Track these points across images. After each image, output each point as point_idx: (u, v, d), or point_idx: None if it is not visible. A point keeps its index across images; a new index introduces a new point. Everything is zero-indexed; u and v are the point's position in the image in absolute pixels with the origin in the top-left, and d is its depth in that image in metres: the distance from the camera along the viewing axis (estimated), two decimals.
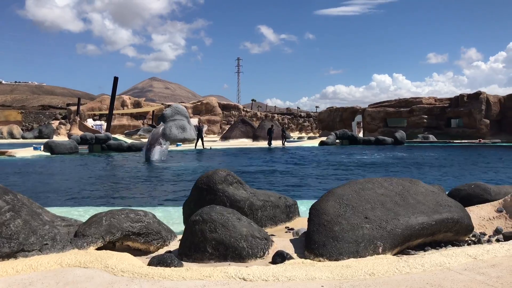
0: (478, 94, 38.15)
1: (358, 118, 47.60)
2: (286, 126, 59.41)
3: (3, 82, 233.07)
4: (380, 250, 3.64)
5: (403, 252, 3.86)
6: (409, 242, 3.88)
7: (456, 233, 4.17)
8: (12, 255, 3.36)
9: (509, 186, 5.94)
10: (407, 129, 38.80)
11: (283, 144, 31.20)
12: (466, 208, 4.66)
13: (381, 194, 4.28)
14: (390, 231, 3.75)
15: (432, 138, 35.76)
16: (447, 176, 12.75)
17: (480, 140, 34.22)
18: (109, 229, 3.81)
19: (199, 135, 28.82)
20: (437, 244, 4.10)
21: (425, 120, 40.90)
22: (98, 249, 3.74)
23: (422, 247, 4.01)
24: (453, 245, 4.12)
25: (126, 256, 3.54)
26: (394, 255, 3.74)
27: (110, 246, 3.85)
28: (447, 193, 5.44)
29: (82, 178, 12.56)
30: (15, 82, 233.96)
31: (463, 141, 34.25)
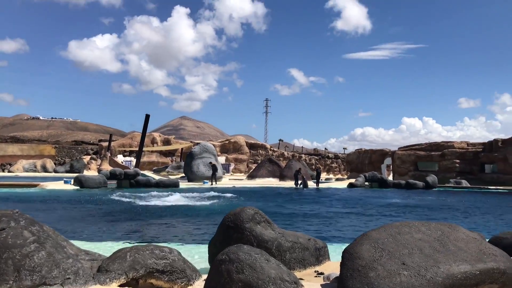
0: None
1: (388, 161, 46.76)
2: (314, 167, 58.88)
3: (41, 118, 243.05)
4: None
5: None
6: None
7: (503, 285, 3.84)
8: None
9: None
10: (439, 174, 37.70)
11: (318, 185, 30.76)
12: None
13: (419, 239, 4.02)
14: (429, 280, 3.48)
15: (465, 183, 34.55)
16: (484, 223, 12.14)
17: None
18: (133, 265, 3.69)
19: (213, 173, 29.39)
20: None
21: (457, 165, 39.77)
22: (121, 285, 3.61)
23: None
24: None
25: None
26: None
27: (133, 283, 3.72)
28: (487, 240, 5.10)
29: (108, 213, 12.58)
30: (52, 118, 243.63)
31: (499, 187, 32.92)
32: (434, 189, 31.28)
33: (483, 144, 40.89)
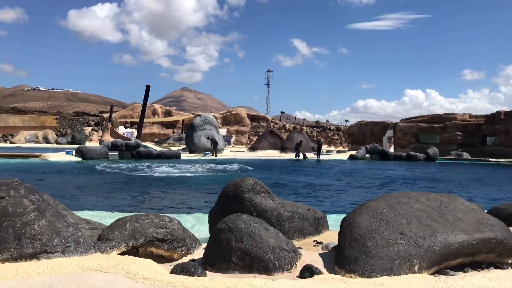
0: None
1: (389, 133, 46.66)
2: (315, 139, 58.86)
3: (42, 89, 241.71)
4: (416, 269, 3.40)
5: (440, 272, 3.60)
6: (447, 262, 3.62)
7: (499, 255, 3.88)
8: (34, 256, 3.30)
9: None
10: (440, 146, 37.66)
11: (318, 157, 30.89)
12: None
13: (418, 209, 4.04)
14: (427, 249, 3.51)
15: (466, 155, 34.60)
16: (483, 195, 12.21)
17: None
18: (133, 234, 3.72)
19: (213, 146, 29.53)
20: (477, 266, 3.81)
21: (459, 137, 39.70)
22: (121, 254, 3.65)
23: (461, 268, 3.73)
24: (495, 267, 3.82)
25: (149, 262, 3.43)
26: (431, 274, 3.49)
27: (133, 251, 3.76)
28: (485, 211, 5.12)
29: (109, 183, 12.67)
30: (52, 89, 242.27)
31: (499, 160, 32.98)
32: (435, 161, 31.34)
33: (486, 116, 40.68)
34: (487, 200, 10.48)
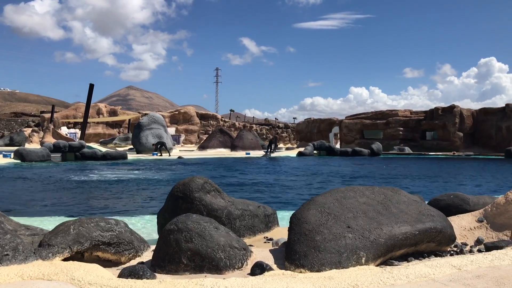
0: (452, 107, 38.93)
1: (335, 129, 47.94)
2: (265, 137, 59.38)
3: None
4: (363, 261, 3.51)
5: (386, 262, 3.74)
6: (392, 253, 3.77)
7: (439, 243, 4.09)
8: None
9: (487, 196, 5.93)
10: (383, 141, 39.22)
11: (272, 153, 31.60)
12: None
13: (363, 202, 4.17)
14: (373, 241, 3.63)
15: (407, 150, 36.24)
16: (424, 187, 12.83)
17: (454, 153, 34.84)
18: (77, 239, 3.57)
19: (160, 147, 29.30)
20: (419, 255, 4.00)
21: (400, 132, 41.47)
22: (65, 260, 3.49)
23: (405, 258, 3.90)
24: (436, 255, 4.03)
25: (95, 267, 3.30)
26: (377, 265, 3.62)
27: (78, 256, 3.61)
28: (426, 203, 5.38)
29: (52, 187, 12.11)
30: None
31: (438, 153, 34.83)
32: (379, 156, 32.56)
33: (425, 112, 42.75)
34: (427, 192, 11.02)
